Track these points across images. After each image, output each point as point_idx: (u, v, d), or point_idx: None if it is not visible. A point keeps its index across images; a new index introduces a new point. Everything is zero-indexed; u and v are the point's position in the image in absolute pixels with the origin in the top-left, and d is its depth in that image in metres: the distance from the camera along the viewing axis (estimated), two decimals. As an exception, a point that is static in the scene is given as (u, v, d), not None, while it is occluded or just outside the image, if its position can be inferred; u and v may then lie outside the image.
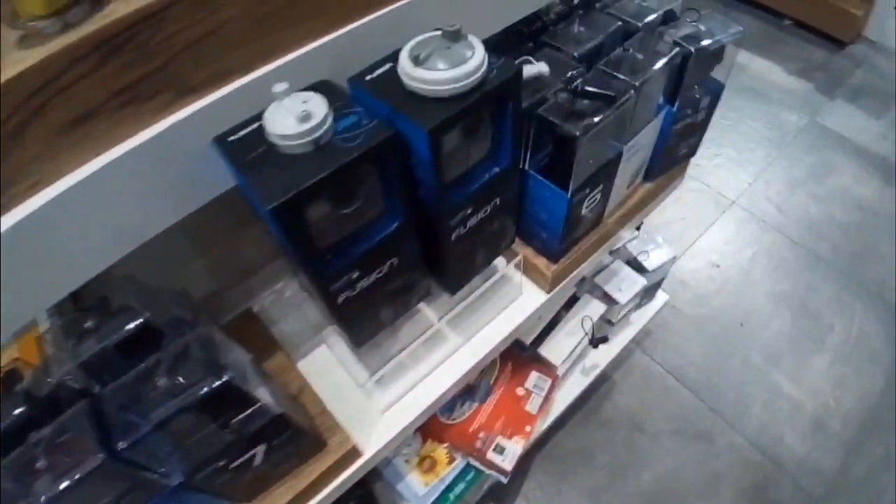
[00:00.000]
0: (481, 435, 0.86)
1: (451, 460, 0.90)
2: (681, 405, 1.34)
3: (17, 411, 0.46)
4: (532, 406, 0.91)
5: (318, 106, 0.40)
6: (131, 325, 0.48)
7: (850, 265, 1.57)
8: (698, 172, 1.74)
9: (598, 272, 1.06)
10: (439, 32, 0.44)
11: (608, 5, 0.76)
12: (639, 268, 1.07)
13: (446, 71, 0.42)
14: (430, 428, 0.90)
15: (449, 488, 0.89)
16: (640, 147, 0.73)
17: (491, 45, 0.62)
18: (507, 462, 0.84)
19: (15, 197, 0.39)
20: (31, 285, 0.42)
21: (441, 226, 0.52)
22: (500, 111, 0.49)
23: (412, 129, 0.43)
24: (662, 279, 1.18)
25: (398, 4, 0.48)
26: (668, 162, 0.84)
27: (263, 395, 0.51)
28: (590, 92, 0.57)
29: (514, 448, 0.85)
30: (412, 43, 0.45)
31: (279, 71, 0.44)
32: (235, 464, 0.53)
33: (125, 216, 0.44)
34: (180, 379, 0.45)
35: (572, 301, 1.07)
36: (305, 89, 0.45)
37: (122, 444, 0.43)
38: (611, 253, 1.08)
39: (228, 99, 0.43)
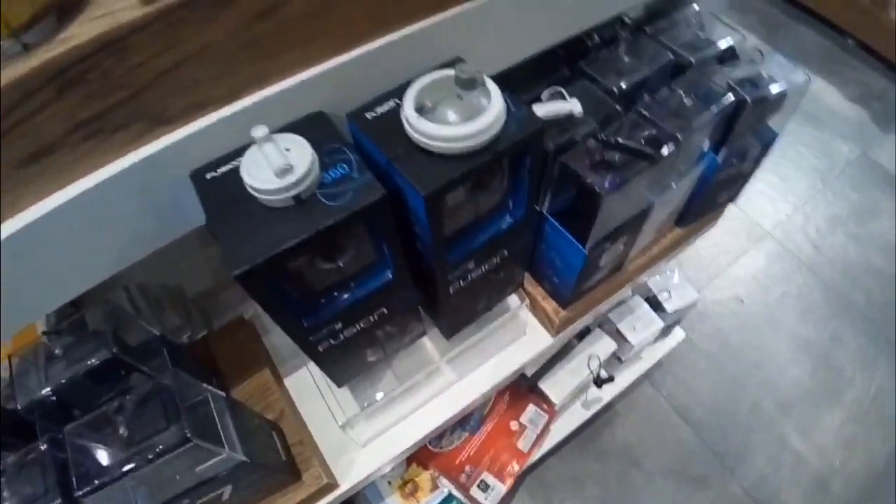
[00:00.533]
0: (467, 468, 0.82)
1: (434, 488, 0.87)
2: (682, 444, 1.29)
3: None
4: (524, 443, 0.87)
5: (301, 155, 0.35)
6: (98, 359, 0.45)
7: (881, 318, 1.47)
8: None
9: (614, 307, 1.00)
10: (451, 73, 0.38)
11: (662, 30, 0.69)
12: (658, 306, 1.01)
13: (455, 126, 0.36)
14: (417, 453, 0.86)
15: (429, 517, 0.87)
16: (674, 197, 0.67)
17: (519, 67, 0.56)
18: (490, 500, 0.80)
19: None
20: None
21: (438, 281, 0.47)
22: (517, 167, 0.44)
23: (409, 189, 0.37)
24: (682, 319, 1.11)
25: (409, 30, 0.42)
26: (705, 209, 0.77)
27: (230, 437, 0.47)
28: (624, 145, 0.51)
29: (500, 487, 0.82)
30: (419, 85, 0.39)
31: (267, 101, 0.39)
32: (202, 500, 0.50)
33: (92, 250, 0.40)
34: (139, 430, 0.41)
35: (583, 332, 1.02)
36: (295, 124, 0.40)
37: (80, 491, 0.40)
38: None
39: (209, 131, 0.38)
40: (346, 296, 0.44)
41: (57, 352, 0.45)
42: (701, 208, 0.75)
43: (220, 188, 0.38)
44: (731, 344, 1.43)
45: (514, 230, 0.49)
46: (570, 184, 0.55)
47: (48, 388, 0.44)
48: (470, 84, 0.37)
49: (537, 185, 0.48)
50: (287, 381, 0.70)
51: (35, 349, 0.47)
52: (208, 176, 0.39)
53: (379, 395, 0.66)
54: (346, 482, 0.64)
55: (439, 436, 0.85)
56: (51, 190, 0.37)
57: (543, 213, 0.58)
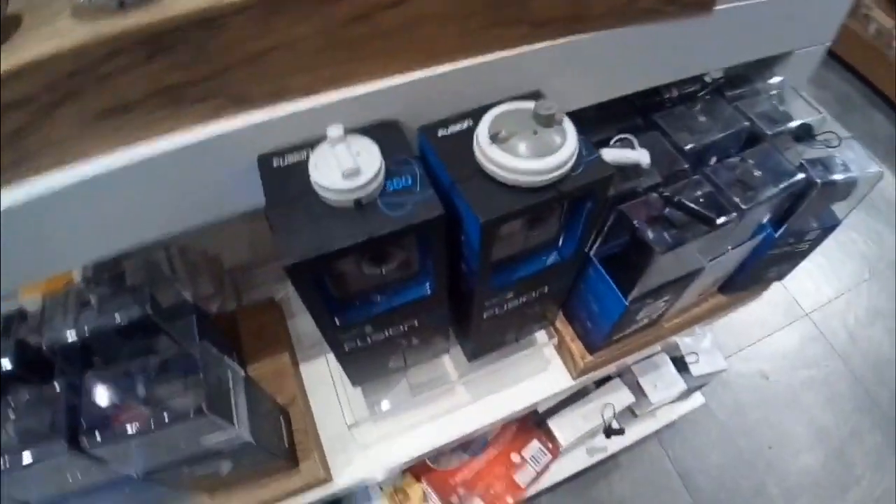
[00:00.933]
0: (461, 491, 0.81)
1: (424, 501, 0.86)
2: (677, 512, 1.25)
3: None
4: (522, 478, 0.85)
5: (370, 161, 0.35)
6: (131, 315, 0.46)
7: (902, 421, 1.41)
8: (780, 270, 1.58)
9: (640, 359, 0.98)
10: (531, 106, 0.38)
11: (741, 96, 0.67)
12: (683, 368, 0.98)
13: (526, 160, 0.36)
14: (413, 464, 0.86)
15: (412, 531, 0.86)
16: (724, 264, 0.65)
17: (593, 108, 0.56)
18: (476, 530, 0.79)
19: (36, 170, 0.37)
20: (38, 251, 0.41)
21: (475, 305, 0.47)
22: (577, 209, 0.43)
23: (468, 212, 0.37)
24: (704, 385, 1.08)
25: (494, 56, 0.42)
26: (752, 281, 0.75)
27: (241, 415, 0.48)
28: (687, 206, 0.50)
29: (488, 518, 0.81)
30: (497, 111, 0.39)
31: (345, 102, 0.40)
32: (200, 471, 0.51)
33: (148, 210, 0.41)
34: (157, 391, 0.42)
35: (603, 379, 1.00)
36: (368, 128, 0.40)
37: (86, 439, 0.41)
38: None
39: (284, 120, 0.39)
40: (382, 302, 0.45)
41: (92, 300, 0.46)
42: (748, 280, 0.73)
43: (284, 177, 0.38)
44: (747, 418, 1.38)
45: (559, 268, 0.49)
46: (624, 233, 0.54)
47: (75, 333, 0.45)
48: (548, 121, 0.37)
49: (588, 235, 0.48)
50: (303, 369, 0.71)
51: (68, 293, 0.48)
52: (275, 163, 0.39)
53: (387, 403, 0.66)
54: (341, 480, 0.64)
55: (439, 452, 0.84)
56: (121, 146, 0.37)
57: (590, 256, 0.58)
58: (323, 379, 0.67)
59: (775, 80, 0.69)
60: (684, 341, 0.99)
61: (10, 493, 0.44)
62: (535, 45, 0.43)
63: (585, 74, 0.49)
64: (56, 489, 0.46)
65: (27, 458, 0.40)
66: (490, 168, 0.37)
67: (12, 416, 0.42)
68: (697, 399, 1.14)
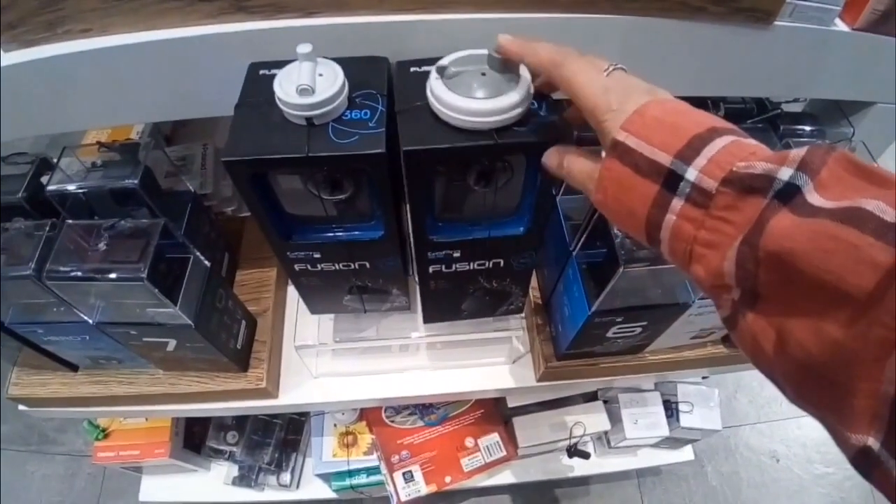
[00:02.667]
0: (403, 453, 0.83)
1: (369, 452, 0.89)
2: (637, 561, 1.20)
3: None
4: (468, 463, 0.85)
5: (328, 84, 0.36)
6: (120, 183, 0.50)
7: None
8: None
9: (630, 389, 0.94)
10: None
11: (796, 135, 0.62)
12: (674, 414, 0.93)
13: (460, 97, 0.35)
14: (370, 412, 0.88)
15: (351, 473, 0.89)
16: (720, 309, 0.60)
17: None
18: (405, 493, 0.80)
19: (69, 34, 0.41)
20: (58, 106, 0.46)
21: (420, 253, 0.47)
22: (530, 176, 0.42)
23: (400, 141, 0.37)
24: (695, 440, 1.02)
25: (506, 16, 0.42)
26: (755, 341, 0.69)
27: (188, 299, 0.51)
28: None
29: (422, 486, 0.81)
30: (464, 53, 0.38)
31: (338, 28, 0.41)
32: (148, 339, 0.55)
33: (146, 91, 0.45)
34: (114, 251, 0.46)
35: (591, 396, 0.97)
36: (355, 59, 0.41)
37: (45, 274, 0.46)
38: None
39: (279, 34, 0.41)
40: (333, 233, 0.46)
41: (99, 163, 0.51)
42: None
43: (261, 86, 0.40)
44: (741, 494, 1.29)
45: (515, 241, 0.47)
46: (602, 238, 0.52)
47: (75, 187, 0.50)
48: (501, 66, 0.36)
49: (546, 213, 0.45)
50: (290, 291, 0.74)
51: (87, 154, 0.53)
52: (261, 72, 0.41)
53: (349, 343, 0.67)
54: (284, 399, 0.67)
55: (396, 409, 0.86)
56: (137, 29, 0.41)
57: (571, 252, 0.56)
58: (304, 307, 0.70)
59: (847, 130, 0.62)
60: (686, 388, 0.94)
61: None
62: (550, 12, 0.42)
63: (611, 58, 0.47)
64: (27, 312, 0.52)
65: (1, 272, 0.45)
66: (431, 101, 0.36)
67: (2, 238, 0.48)
68: (687, 453, 1.07)
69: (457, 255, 0.47)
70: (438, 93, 0.35)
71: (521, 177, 0.42)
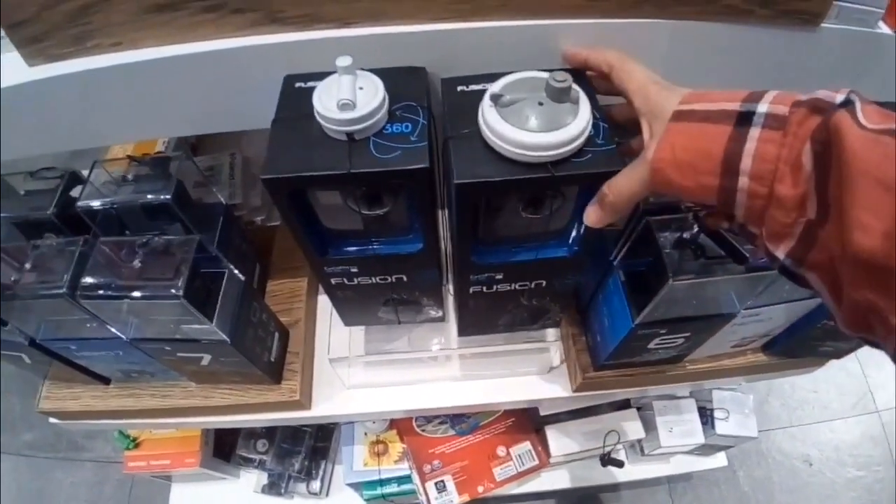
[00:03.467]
0: (435, 462, 0.81)
1: (400, 461, 0.88)
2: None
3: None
4: (501, 472, 0.84)
5: (369, 98, 0.35)
6: (152, 197, 0.50)
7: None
8: (864, 355, 1.40)
9: (664, 396, 0.91)
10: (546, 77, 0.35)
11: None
12: (709, 421, 0.90)
13: (518, 130, 0.34)
14: (401, 421, 0.87)
15: (382, 483, 0.88)
16: (766, 318, 0.58)
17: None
18: (438, 502, 0.79)
19: (98, 48, 0.41)
20: (82, 123, 0.45)
21: (461, 274, 0.46)
22: (580, 201, 0.40)
23: (451, 171, 0.36)
24: (729, 447, 0.99)
25: (544, 22, 0.40)
26: (800, 349, 0.67)
27: (224, 315, 0.51)
28: (723, 237, 0.45)
29: (454, 498, 0.80)
30: (519, 76, 0.37)
31: (375, 38, 0.40)
32: (182, 355, 0.55)
33: (179, 105, 0.44)
34: (149, 268, 0.46)
35: (623, 403, 0.95)
36: (393, 70, 0.40)
37: (79, 293, 0.45)
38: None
39: (315, 45, 0.40)
40: (372, 247, 0.45)
41: (129, 177, 0.51)
42: (796, 347, 0.66)
43: (299, 99, 0.39)
44: (773, 499, 1.26)
45: (560, 263, 0.46)
46: (647, 248, 0.50)
47: (106, 202, 0.49)
48: (559, 95, 0.34)
49: (596, 234, 0.44)
50: (323, 302, 0.73)
51: (117, 167, 0.53)
52: (297, 85, 0.40)
53: (382, 355, 0.67)
54: (317, 410, 0.67)
55: (427, 418, 0.85)
56: (168, 42, 0.41)
57: (612, 263, 0.54)
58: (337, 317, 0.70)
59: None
60: (721, 394, 0.91)
61: (19, 322, 0.50)
62: (593, 18, 0.40)
63: (652, 64, 0.45)
64: (59, 329, 0.52)
65: (33, 290, 0.45)
66: (483, 131, 0.35)
67: (33, 255, 0.48)
68: (720, 459, 1.05)
69: (499, 276, 0.46)
70: (492, 123, 0.34)
71: (572, 203, 0.41)
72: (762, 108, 0.29)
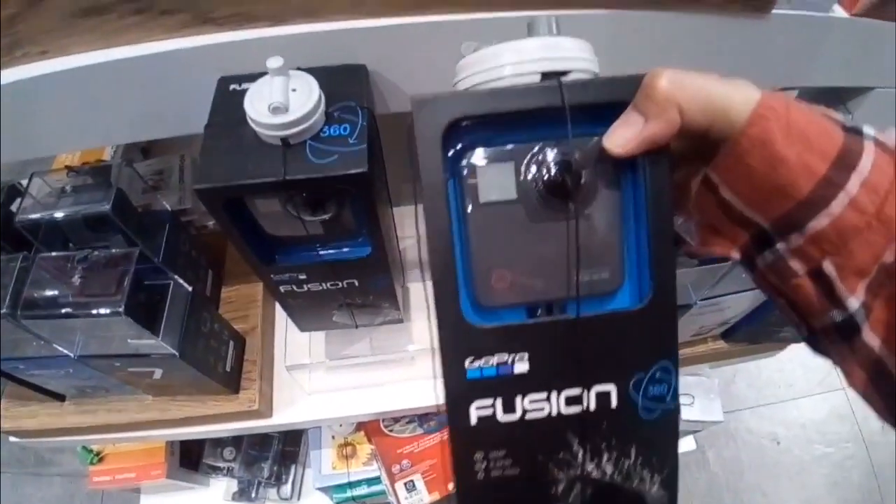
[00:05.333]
0: (404, 462, 0.81)
1: (369, 462, 0.87)
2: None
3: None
4: (471, 468, 0.83)
5: (304, 100, 0.34)
6: (91, 208, 0.48)
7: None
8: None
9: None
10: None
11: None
12: (675, 406, 0.92)
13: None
14: (368, 423, 0.86)
15: (352, 485, 0.87)
16: (723, 308, 0.59)
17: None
18: (408, 502, 0.79)
19: (27, 56, 0.39)
20: (19, 133, 0.43)
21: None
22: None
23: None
24: (696, 431, 1.01)
25: (481, 16, 0.39)
26: (760, 335, 0.68)
27: (171, 328, 0.49)
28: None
29: (424, 496, 0.80)
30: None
31: (311, 37, 0.38)
32: (133, 370, 0.53)
33: (111, 112, 0.43)
34: (89, 284, 0.44)
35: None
36: (331, 69, 0.38)
37: (19, 313, 0.43)
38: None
39: (247, 46, 0.38)
40: (317, 252, 0.44)
41: (69, 188, 0.49)
42: (754, 333, 0.67)
43: (233, 103, 0.37)
44: (742, 478, 1.29)
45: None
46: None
47: (45, 214, 0.47)
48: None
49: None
50: (279, 306, 0.71)
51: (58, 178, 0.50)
52: (231, 87, 0.39)
53: (341, 360, 0.65)
54: (278, 418, 0.65)
55: (395, 418, 0.84)
56: (96, 48, 0.39)
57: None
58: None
59: (846, 116, 0.61)
60: (686, 380, 0.93)
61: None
62: (538, 10, 0.40)
63: (601, 55, 0.45)
64: (6, 348, 0.49)
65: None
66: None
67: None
68: (688, 443, 1.07)
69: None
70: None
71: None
72: (868, 129, 0.24)
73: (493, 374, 0.26)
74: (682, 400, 0.86)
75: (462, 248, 0.26)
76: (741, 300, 0.58)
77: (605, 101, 0.25)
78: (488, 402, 0.26)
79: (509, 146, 0.26)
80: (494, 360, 0.26)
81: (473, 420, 0.26)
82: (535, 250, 0.26)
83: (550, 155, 0.26)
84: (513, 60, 0.26)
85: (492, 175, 0.26)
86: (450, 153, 0.26)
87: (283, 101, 0.33)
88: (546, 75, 0.26)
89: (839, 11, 0.45)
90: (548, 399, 0.26)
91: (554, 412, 0.26)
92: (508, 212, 0.26)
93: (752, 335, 0.68)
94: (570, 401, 0.26)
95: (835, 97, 0.61)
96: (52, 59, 0.39)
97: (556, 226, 0.26)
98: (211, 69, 0.39)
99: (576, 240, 0.26)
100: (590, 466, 0.27)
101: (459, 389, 0.26)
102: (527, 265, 0.27)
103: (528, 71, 0.26)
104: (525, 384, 0.26)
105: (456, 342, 0.26)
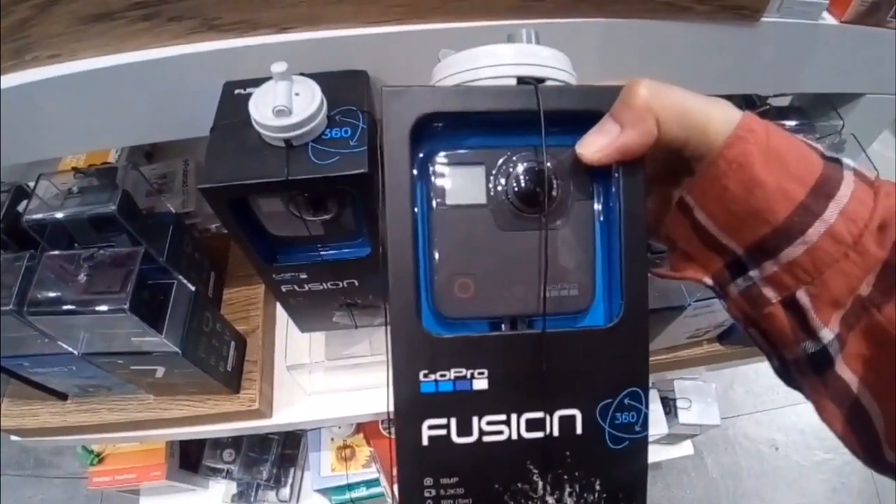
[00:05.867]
0: (404, 465, 0.82)
1: (368, 465, 0.88)
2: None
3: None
4: (469, 470, 0.84)
5: (306, 104, 0.35)
6: (97, 209, 0.49)
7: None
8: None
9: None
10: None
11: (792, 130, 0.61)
12: (672, 411, 0.92)
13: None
14: (367, 425, 0.87)
15: (350, 487, 0.87)
16: (718, 309, 0.60)
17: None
18: None
19: (37, 60, 0.40)
20: (24, 137, 0.44)
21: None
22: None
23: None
24: (694, 435, 1.02)
25: (477, 24, 0.41)
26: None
27: (174, 327, 0.50)
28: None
29: (424, 498, 0.80)
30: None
31: (314, 43, 0.39)
32: (136, 367, 0.54)
33: (120, 115, 0.44)
34: (95, 283, 0.45)
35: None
36: (333, 75, 0.40)
37: (30, 308, 0.44)
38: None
39: (253, 52, 0.40)
40: (318, 253, 0.45)
41: (76, 189, 0.50)
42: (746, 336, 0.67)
43: (238, 106, 0.38)
44: (741, 484, 1.29)
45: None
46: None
47: (52, 215, 0.48)
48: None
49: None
50: (279, 307, 0.72)
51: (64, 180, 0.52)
52: (236, 91, 0.40)
53: (342, 360, 0.66)
54: (278, 418, 0.66)
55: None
56: (106, 52, 0.40)
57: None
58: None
59: (836, 123, 0.62)
60: (683, 384, 0.93)
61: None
62: (529, 19, 0.41)
63: (593, 64, 0.46)
64: (10, 346, 0.50)
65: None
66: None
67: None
68: (686, 448, 1.07)
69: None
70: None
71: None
72: (847, 160, 0.24)
73: (450, 390, 0.24)
74: (679, 404, 0.87)
75: (425, 250, 0.25)
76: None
77: (581, 109, 0.25)
78: (442, 420, 0.24)
79: (482, 149, 0.25)
80: (451, 374, 0.24)
81: (425, 440, 0.24)
82: (502, 260, 0.25)
83: (523, 161, 0.25)
84: (490, 63, 0.25)
85: (461, 177, 0.25)
86: (420, 153, 0.25)
87: (286, 105, 0.34)
88: (522, 81, 0.25)
89: (829, 18, 0.46)
90: (507, 422, 0.24)
91: (514, 436, 0.24)
92: (476, 217, 0.25)
93: (747, 338, 0.69)
94: (532, 425, 0.24)
95: (825, 104, 0.62)
96: (62, 62, 0.40)
97: (525, 235, 0.25)
98: (217, 74, 0.41)
99: (544, 251, 0.25)
100: (550, 501, 0.25)
101: (411, 404, 0.24)
102: (492, 275, 0.25)
103: (504, 74, 0.25)
104: (483, 403, 0.24)
105: (410, 351, 0.24)
